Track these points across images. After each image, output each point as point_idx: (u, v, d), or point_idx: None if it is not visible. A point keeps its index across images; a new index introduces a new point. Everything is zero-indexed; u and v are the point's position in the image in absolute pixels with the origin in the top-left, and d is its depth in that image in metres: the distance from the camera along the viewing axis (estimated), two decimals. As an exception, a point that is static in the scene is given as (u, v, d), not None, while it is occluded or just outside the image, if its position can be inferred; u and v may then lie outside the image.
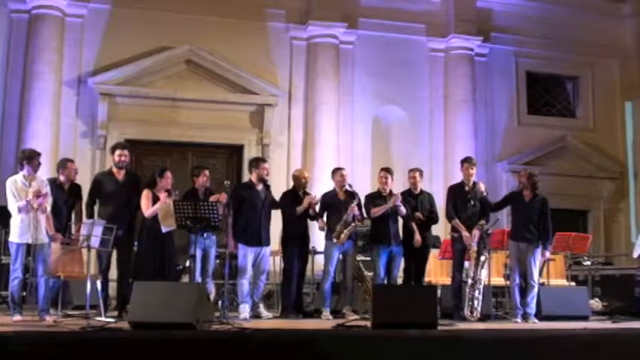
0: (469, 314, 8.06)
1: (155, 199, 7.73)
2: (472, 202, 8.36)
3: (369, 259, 9.03)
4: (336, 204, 8.50)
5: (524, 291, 8.15)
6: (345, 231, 8.28)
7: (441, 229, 10.05)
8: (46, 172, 8.35)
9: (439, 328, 6.32)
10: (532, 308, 8.13)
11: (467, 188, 8.46)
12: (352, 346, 5.59)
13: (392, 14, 13.18)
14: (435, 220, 8.84)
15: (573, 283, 10.15)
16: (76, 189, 8.00)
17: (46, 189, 7.04)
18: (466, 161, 8.62)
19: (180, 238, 8.02)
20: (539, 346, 6.01)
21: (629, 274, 10.35)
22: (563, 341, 6.17)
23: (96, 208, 7.91)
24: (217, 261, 8.57)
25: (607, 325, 7.82)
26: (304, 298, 9.12)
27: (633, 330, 6.81)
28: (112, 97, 11.92)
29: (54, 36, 11.69)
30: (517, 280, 8.18)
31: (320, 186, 10.31)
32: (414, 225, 8.48)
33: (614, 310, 9.28)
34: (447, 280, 8.91)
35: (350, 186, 8.55)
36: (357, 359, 5.53)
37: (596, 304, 9.73)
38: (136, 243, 8.08)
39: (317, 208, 8.54)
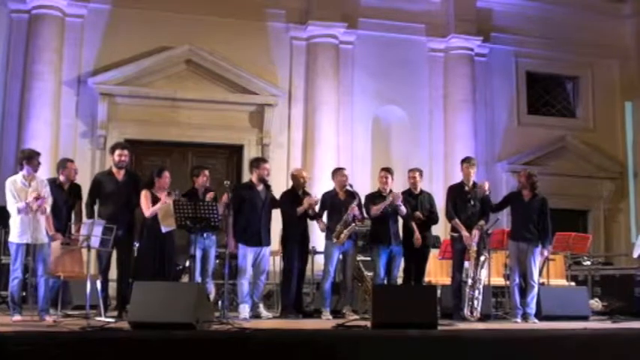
0: (469, 314, 8.06)
1: (154, 199, 7.73)
2: (472, 202, 8.36)
3: (369, 259, 9.02)
4: (336, 204, 8.50)
5: (524, 291, 8.15)
6: (345, 231, 8.28)
7: (441, 229, 10.05)
8: (45, 172, 8.35)
9: (439, 328, 6.31)
10: (532, 308, 8.13)
11: (467, 188, 8.45)
12: (352, 346, 5.59)
13: (392, 14, 13.18)
14: (435, 221, 8.83)
15: (573, 283, 10.16)
16: (75, 189, 7.99)
17: (46, 189, 7.04)
18: (466, 161, 8.62)
19: (180, 238, 8.01)
20: (539, 346, 6.00)
21: (629, 274, 10.35)
22: (563, 341, 6.16)
23: (96, 208, 7.90)
24: (217, 261, 8.57)
25: (607, 325, 7.82)
26: (304, 298, 9.12)
27: (633, 330, 6.80)
28: (112, 97, 11.91)
29: (54, 36, 11.69)
30: (517, 280, 8.18)
31: (320, 186, 10.31)
32: (413, 225, 8.48)
33: (614, 310, 9.27)
34: (447, 280, 8.91)
35: (350, 186, 8.55)
36: (357, 359, 5.53)
37: (596, 304, 9.73)
38: (136, 243, 8.08)
39: (316, 207, 8.54)
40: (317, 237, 9.15)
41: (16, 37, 11.75)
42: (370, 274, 9.01)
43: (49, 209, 7.03)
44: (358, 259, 9.18)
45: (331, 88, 12.76)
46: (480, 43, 13.57)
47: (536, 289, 8.15)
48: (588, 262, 11.40)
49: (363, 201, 8.53)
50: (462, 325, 7.29)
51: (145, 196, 7.74)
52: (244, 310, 7.95)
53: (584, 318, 8.44)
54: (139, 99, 12.07)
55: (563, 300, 8.67)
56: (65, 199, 7.79)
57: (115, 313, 7.62)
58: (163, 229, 7.62)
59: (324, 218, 8.59)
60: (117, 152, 8.00)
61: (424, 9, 13.56)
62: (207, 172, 8.34)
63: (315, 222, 8.69)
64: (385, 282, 8.31)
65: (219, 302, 8.07)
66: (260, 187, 8.26)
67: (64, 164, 7.97)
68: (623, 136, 14.57)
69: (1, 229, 8.85)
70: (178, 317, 5.69)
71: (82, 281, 7.54)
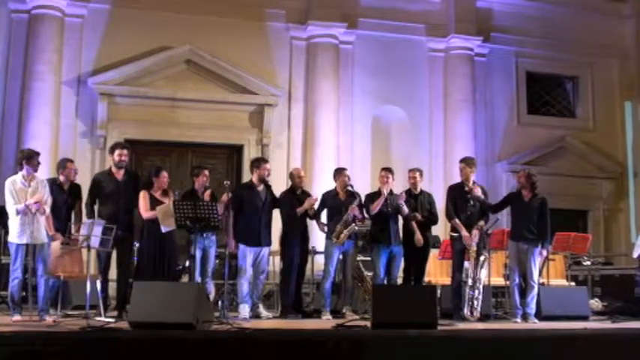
0: (469, 314, 8.06)
1: (152, 200, 7.73)
2: (472, 202, 8.34)
3: (369, 259, 9.01)
4: (336, 204, 8.49)
5: (523, 291, 8.14)
6: (345, 231, 8.28)
7: (440, 229, 10.04)
8: (45, 172, 8.36)
9: (439, 328, 6.31)
10: (532, 308, 8.12)
11: (467, 188, 8.45)
12: (352, 346, 5.58)
13: (392, 14, 13.19)
14: (435, 221, 8.82)
15: (573, 283, 10.16)
16: (75, 189, 7.99)
17: (46, 189, 7.04)
18: (465, 161, 8.62)
19: (180, 238, 8.02)
20: (539, 346, 6.00)
21: (629, 274, 10.35)
22: (563, 341, 6.16)
23: (96, 207, 7.90)
24: (217, 261, 8.57)
25: (607, 325, 7.82)
26: (304, 298, 9.12)
27: (633, 330, 6.81)
28: (112, 97, 11.92)
29: (54, 36, 11.69)
30: (517, 280, 8.18)
31: (320, 186, 10.31)
32: (414, 225, 8.48)
33: (615, 310, 9.27)
34: (447, 280, 8.90)
35: (351, 186, 8.54)
36: (357, 359, 5.53)
37: (596, 304, 9.73)
38: (136, 243, 8.08)
39: (315, 206, 8.53)
40: (317, 237, 9.15)
41: (16, 37, 11.75)
42: (370, 274, 9.01)
43: (48, 209, 7.03)
44: (358, 259, 9.18)
45: (331, 88, 12.76)
46: (480, 43, 13.58)
47: (536, 289, 8.14)
48: (588, 262, 11.40)
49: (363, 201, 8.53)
50: (462, 325, 7.30)
51: (143, 198, 7.74)
52: (244, 310, 7.95)
53: (584, 318, 8.44)
54: (139, 99, 12.07)
55: (563, 300, 8.67)
56: (65, 199, 7.79)
57: (115, 313, 7.62)
58: (163, 229, 7.61)
59: (324, 218, 8.59)
60: (116, 152, 8.00)
61: (424, 9, 13.56)
62: (207, 172, 8.34)
63: (315, 222, 8.68)
64: (385, 282, 8.31)
65: (219, 302, 8.06)
66: (260, 187, 8.26)
67: (63, 164, 7.96)
68: (623, 136, 14.58)
69: (1, 229, 8.85)
70: (178, 317, 5.69)
71: (81, 281, 7.53)
